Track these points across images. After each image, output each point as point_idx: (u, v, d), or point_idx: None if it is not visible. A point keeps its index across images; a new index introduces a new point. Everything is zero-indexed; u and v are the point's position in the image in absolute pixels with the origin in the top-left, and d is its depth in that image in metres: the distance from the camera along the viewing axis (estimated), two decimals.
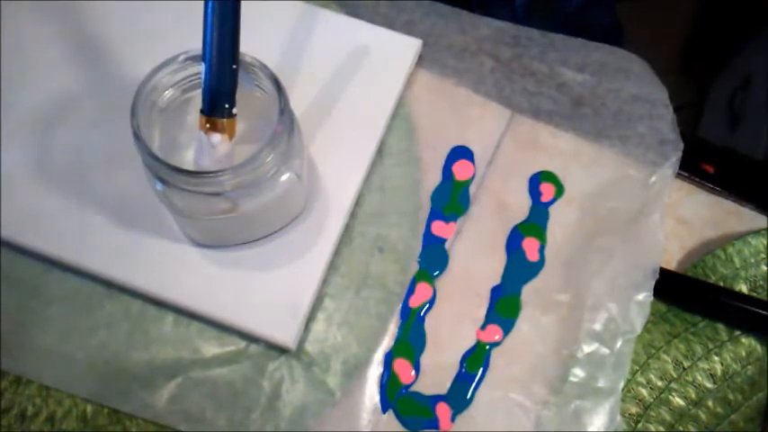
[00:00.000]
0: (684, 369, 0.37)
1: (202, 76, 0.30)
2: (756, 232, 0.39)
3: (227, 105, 0.30)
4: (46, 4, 0.40)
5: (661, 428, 0.36)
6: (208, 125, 0.30)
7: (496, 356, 0.36)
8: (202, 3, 0.29)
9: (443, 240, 0.38)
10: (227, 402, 0.34)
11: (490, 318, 0.36)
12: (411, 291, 0.37)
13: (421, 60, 0.41)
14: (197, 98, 0.31)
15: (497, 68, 0.42)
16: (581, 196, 0.39)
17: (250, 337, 0.35)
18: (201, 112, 0.30)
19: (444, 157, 0.40)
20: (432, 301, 0.37)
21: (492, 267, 0.37)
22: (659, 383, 0.36)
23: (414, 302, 0.37)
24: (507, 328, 0.36)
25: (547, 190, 0.39)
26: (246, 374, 0.35)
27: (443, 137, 0.40)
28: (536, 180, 0.39)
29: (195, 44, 0.30)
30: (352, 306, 0.36)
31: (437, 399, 0.35)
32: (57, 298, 0.35)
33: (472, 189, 0.39)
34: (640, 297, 0.36)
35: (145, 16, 0.39)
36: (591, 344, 0.36)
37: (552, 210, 0.39)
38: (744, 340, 0.37)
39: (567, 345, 0.36)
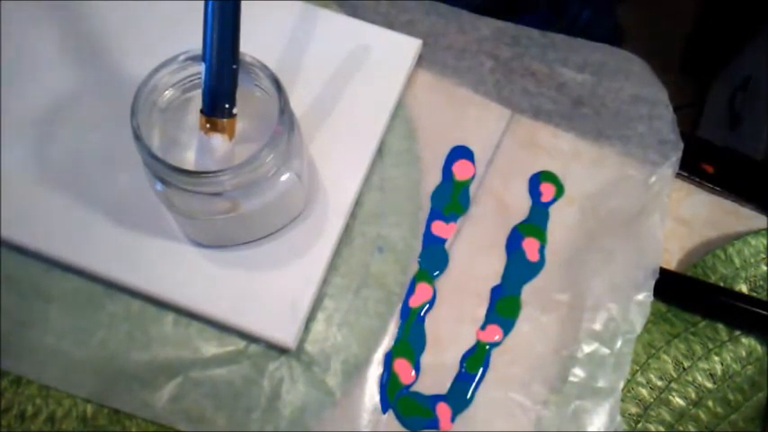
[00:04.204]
0: (684, 369, 0.37)
1: (202, 76, 0.30)
2: (756, 232, 0.39)
3: (227, 105, 0.30)
4: (46, 3, 0.40)
5: (661, 428, 0.36)
6: (208, 125, 0.30)
7: (496, 356, 0.36)
8: (202, 3, 0.29)
9: (443, 240, 0.38)
10: (227, 402, 0.34)
11: (490, 318, 0.36)
12: (411, 291, 0.37)
13: (421, 60, 0.41)
14: (197, 98, 0.31)
15: (497, 68, 0.42)
16: (581, 196, 0.39)
17: (250, 337, 0.35)
18: (201, 112, 0.30)
19: (444, 157, 0.40)
20: (432, 301, 0.37)
21: (492, 267, 0.37)
22: (659, 383, 0.36)
23: (414, 302, 0.37)
24: (507, 328, 0.36)
25: (547, 190, 0.39)
26: (246, 374, 0.35)
27: (443, 137, 0.40)
28: (536, 180, 0.39)
29: (195, 44, 0.30)
30: (352, 306, 0.36)
31: (437, 399, 0.35)
32: (57, 298, 0.35)
33: (472, 189, 0.39)
34: (640, 297, 0.36)
35: (145, 16, 0.39)
36: (591, 344, 0.36)
37: (552, 210, 0.39)
38: (744, 340, 0.37)
39: (567, 345, 0.36)
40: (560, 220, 0.38)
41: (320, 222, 0.36)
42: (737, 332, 0.37)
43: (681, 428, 0.36)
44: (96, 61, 0.39)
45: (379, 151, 0.39)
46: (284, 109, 0.30)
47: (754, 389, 0.37)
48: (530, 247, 0.38)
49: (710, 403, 0.36)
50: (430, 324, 0.36)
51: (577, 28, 0.40)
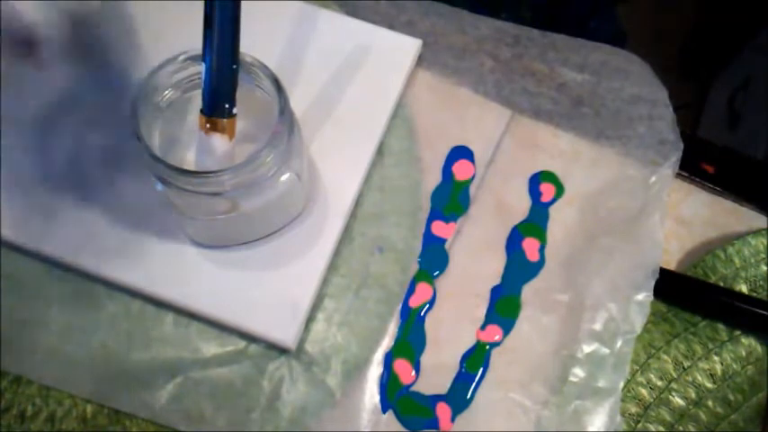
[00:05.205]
0: (684, 369, 0.37)
1: (202, 76, 0.30)
2: (756, 232, 0.39)
3: (227, 105, 0.30)
4: (46, 4, 0.40)
5: (661, 428, 0.36)
6: (208, 125, 0.30)
7: (496, 356, 0.36)
8: (202, 3, 0.29)
9: (443, 240, 0.38)
10: (227, 402, 0.34)
11: (490, 318, 0.36)
12: (411, 291, 0.37)
13: (421, 60, 0.41)
14: (197, 98, 0.31)
15: (497, 68, 0.42)
16: (581, 196, 0.39)
17: (250, 337, 0.35)
18: (201, 112, 0.30)
19: (444, 157, 0.40)
20: (432, 301, 0.37)
21: (492, 267, 0.37)
22: (659, 383, 0.36)
23: (414, 302, 0.37)
24: (507, 328, 0.36)
25: (547, 190, 0.39)
26: (246, 374, 0.35)
27: (443, 137, 0.40)
28: (536, 180, 0.39)
29: (195, 44, 0.30)
30: (352, 306, 0.36)
31: (437, 399, 0.35)
32: (57, 298, 0.35)
33: (472, 189, 0.39)
34: (640, 297, 0.36)
35: (145, 16, 0.39)
36: (591, 344, 0.36)
37: (552, 210, 0.39)
38: (744, 340, 0.37)
39: (566, 345, 0.36)
40: (560, 220, 0.38)
41: (320, 222, 0.36)
42: (737, 332, 0.37)
43: (681, 428, 0.36)
44: (96, 61, 0.39)
45: (379, 151, 0.39)
46: (284, 109, 0.30)
47: (754, 389, 0.37)
48: (530, 247, 0.38)
49: (710, 403, 0.36)
50: (430, 324, 0.36)
51: (581, 33, 0.41)
